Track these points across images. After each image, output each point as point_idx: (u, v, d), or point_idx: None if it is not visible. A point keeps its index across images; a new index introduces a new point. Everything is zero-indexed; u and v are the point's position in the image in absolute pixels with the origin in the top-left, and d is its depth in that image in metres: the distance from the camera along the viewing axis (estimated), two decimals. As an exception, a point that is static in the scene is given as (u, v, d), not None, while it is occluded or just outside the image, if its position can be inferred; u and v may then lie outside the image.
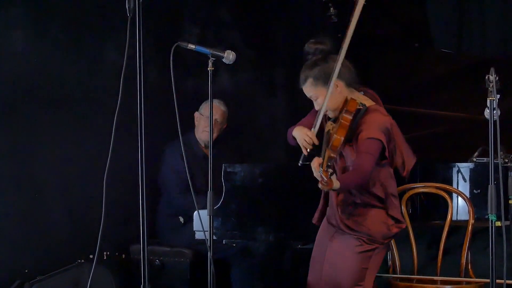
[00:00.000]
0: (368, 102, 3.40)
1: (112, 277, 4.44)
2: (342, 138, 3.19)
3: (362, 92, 3.46)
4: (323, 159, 3.10)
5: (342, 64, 3.32)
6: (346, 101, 3.32)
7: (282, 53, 6.09)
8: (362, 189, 3.35)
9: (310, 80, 3.36)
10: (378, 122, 3.31)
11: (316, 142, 3.31)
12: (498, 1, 5.59)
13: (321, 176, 3.00)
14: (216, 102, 4.68)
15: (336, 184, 3.11)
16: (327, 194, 3.51)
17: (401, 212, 3.63)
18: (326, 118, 3.46)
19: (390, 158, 3.36)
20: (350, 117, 3.25)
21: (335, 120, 3.36)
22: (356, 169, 3.28)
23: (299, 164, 3.42)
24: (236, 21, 5.77)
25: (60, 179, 4.48)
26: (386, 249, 3.53)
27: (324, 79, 3.33)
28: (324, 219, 3.54)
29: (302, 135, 3.39)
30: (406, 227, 4.12)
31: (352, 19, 3.37)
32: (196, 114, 4.81)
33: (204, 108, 4.76)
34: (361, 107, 3.30)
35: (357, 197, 3.37)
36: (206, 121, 4.68)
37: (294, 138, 3.47)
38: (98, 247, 2.60)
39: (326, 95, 3.30)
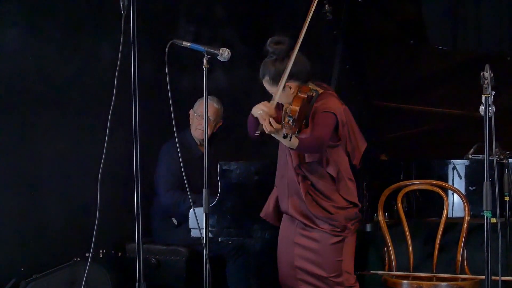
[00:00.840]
0: (322, 90, 3.58)
1: (108, 275, 4.44)
2: (298, 108, 3.32)
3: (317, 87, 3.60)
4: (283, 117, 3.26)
5: (298, 63, 3.44)
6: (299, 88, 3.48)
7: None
8: (318, 166, 3.50)
9: (266, 78, 3.51)
10: (333, 102, 3.52)
11: (273, 113, 3.32)
12: (493, -2, 5.61)
13: (282, 124, 3.18)
14: (209, 100, 4.67)
15: (295, 141, 3.28)
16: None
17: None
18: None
19: (343, 141, 3.52)
20: (304, 95, 3.41)
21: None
22: (313, 135, 3.42)
23: (255, 134, 3.44)
24: (231, 18, 5.76)
25: (56, 177, 4.47)
26: (355, 237, 3.62)
27: (279, 81, 3.43)
28: (284, 217, 3.69)
29: (258, 107, 3.40)
30: (402, 224, 4.14)
31: (307, 19, 3.52)
32: (191, 112, 4.81)
33: (198, 106, 4.76)
34: (314, 93, 3.50)
35: (314, 181, 3.52)
36: (199, 119, 4.69)
37: (255, 119, 3.48)
38: (93, 245, 2.60)
39: (277, 96, 3.41)
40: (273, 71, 3.47)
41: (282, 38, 3.51)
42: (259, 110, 3.35)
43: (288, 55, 3.43)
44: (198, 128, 4.72)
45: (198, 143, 4.78)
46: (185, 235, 4.39)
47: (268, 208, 3.75)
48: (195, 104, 4.79)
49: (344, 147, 3.56)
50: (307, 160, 3.52)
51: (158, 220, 4.71)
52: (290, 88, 3.47)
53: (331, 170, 3.51)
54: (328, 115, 3.45)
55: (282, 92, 3.41)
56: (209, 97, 4.64)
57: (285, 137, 3.21)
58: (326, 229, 3.49)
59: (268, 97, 3.50)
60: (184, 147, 4.65)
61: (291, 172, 3.57)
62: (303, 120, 3.44)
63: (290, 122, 3.18)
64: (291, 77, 3.43)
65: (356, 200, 3.58)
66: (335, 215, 3.49)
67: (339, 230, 3.49)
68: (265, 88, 3.59)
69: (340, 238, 3.51)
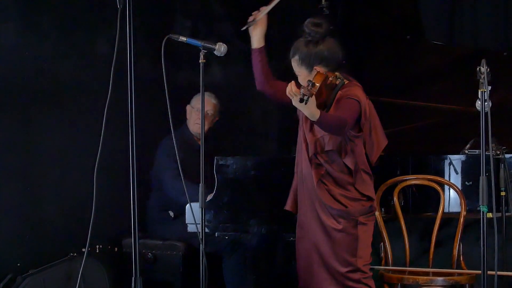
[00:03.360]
0: (348, 81, 3.56)
1: (104, 270, 4.44)
2: (320, 80, 3.32)
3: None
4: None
5: (331, 50, 3.46)
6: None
7: (274, 45, 6.06)
8: (336, 156, 3.46)
9: (296, 58, 3.51)
10: (359, 91, 3.49)
11: (296, 89, 3.28)
12: (489, -7, 5.61)
13: (302, 88, 3.15)
14: (207, 95, 4.67)
15: (316, 112, 3.21)
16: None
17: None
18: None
19: (363, 134, 3.49)
20: (325, 73, 3.39)
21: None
22: (339, 117, 3.38)
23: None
24: (227, 13, 5.75)
25: (52, 173, 4.46)
26: (370, 230, 3.57)
27: (308, 63, 3.46)
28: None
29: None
30: (398, 219, 4.14)
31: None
32: (188, 107, 4.81)
33: (195, 101, 4.76)
34: (338, 80, 3.48)
35: (330, 171, 3.47)
36: (197, 114, 4.70)
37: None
38: (89, 241, 2.60)
39: (301, 77, 3.47)
40: (304, 52, 3.47)
41: (321, 21, 3.49)
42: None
43: (323, 39, 3.44)
44: (197, 122, 4.72)
45: (196, 137, 4.79)
46: (181, 230, 4.40)
47: (289, 199, 3.70)
48: (193, 99, 4.79)
49: (363, 141, 3.53)
50: (326, 148, 3.48)
51: (154, 214, 4.71)
52: (317, 72, 3.45)
53: (348, 161, 3.47)
54: (352, 101, 3.43)
55: (308, 75, 3.44)
56: (206, 92, 4.66)
57: (301, 100, 3.13)
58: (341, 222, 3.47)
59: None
60: (183, 141, 4.65)
61: (305, 160, 3.54)
62: (323, 99, 3.42)
63: (309, 86, 3.16)
64: (321, 61, 3.44)
65: (371, 194, 3.54)
66: (349, 208, 3.45)
67: (351, 224, 3.47)
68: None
69: (353, 232, 3.48)
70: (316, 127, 3.46)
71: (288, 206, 3.70)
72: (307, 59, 3.46)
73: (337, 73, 3.51)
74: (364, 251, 3.51)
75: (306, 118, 3.40)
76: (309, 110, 3.21)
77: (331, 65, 3.48)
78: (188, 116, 4.80)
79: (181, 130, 4.77)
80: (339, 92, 3.49)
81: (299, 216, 3.65)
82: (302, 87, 3.18)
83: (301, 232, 3.62)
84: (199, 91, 3.49)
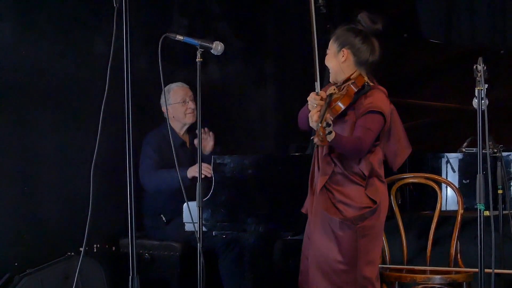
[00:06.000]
0: (373, 84, 3.51)
1: (102, 269, 4.43)
2: (344, 108, 3.31)
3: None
4: (321, 116, 3.11)
5: (362, 42, 3.46)
6: (356, 76, 3.44)
7: (271, 44, 6.07)
8: (349, 164, 3.39)
9: (334, 36, 3.53)
10: (382, 101, 3.42)
11: (316, 118, 3.25)
12: (486, -9, 5.62)
13: (317, 130, 3.06)
14: (179, 84, 4.72)
15: (331, 137, 3.13)
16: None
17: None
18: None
19: (382, 142, 3.43)
20: (355, 89, 3.36)
21: (339, 87, 3.44)
22: (356, 139, 3.31)
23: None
24: (225, 12, 5.75)
25: (50, 172, 4.46)
26: (378, 232, 3.49)
27: (339, 44, 3.48)
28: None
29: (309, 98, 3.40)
30: (396, 217, 4.14)
31: None
32: (164, 108, 4.70)
33: (172, 94, 4.71)
34: (366, 86, 3.42)
35: (341, 172, 3.39)
36: (184, 105, 4.69)
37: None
38: (87, 240, 2.59)
39: (329, 55, 3.49)
40: (343, 34, 3.50)
41: (378, 18, 3.56)
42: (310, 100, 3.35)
43: (362, 34, 3.48)
44: (188, 113, 4.72)
45: (182, 132, 4.78)
46: (177, 231, 4.39)
47: (307, 201, 3.61)
48: (166, 96, 4.69)
49: (382, 147, 3.47)
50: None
51: (149, 217, 4.69)
52: (343, 56, 3.47)
53: (363, 167, 3.39)
54: (376, 117, 3.34)
55: (335, 54, 3.47)
56: (178, 82, 4.69)
57: (317, 136, 3.10)
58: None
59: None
60: (165, 139, 4.62)
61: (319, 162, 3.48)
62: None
63: (327, 133, 3.07)
64: (349, 46, 3.46)
65: (379, 199, 3.42)
66: (346, 216, 3.36)
67: (351, 233, 3.38)
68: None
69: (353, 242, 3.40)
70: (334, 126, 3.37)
71: (304, 210, 3.62)
72: (342, 40, 3.48)
73: (366, 78, 3.46)
74: (367, 265, 3.42)
75: None
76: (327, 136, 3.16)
77: (359, 56, 3.47)
78: (170, 115, 4.74)
79: (162, 130, 4.72)
80: (364, 101, 3.39)
81: (308, 219, 3.57)
82: (318, 131, 3.06)
83: (306, 234, 3.57)
84: (196, 89, 3.48)
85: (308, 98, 3.39)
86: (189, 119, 4.74)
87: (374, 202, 3.40)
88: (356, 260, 3.40)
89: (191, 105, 4.71)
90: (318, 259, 3.45)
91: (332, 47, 3.51)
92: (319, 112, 3.20)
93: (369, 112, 3.34)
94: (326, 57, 3.53)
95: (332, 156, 3.42)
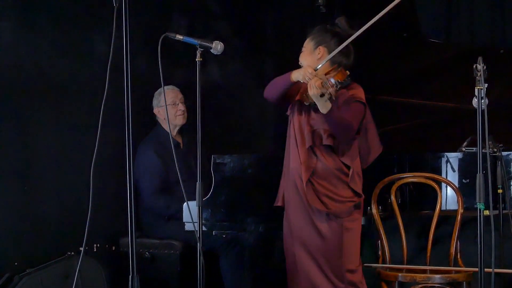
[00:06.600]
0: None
1: (102, 269, 4.43)
2: (339, 81, 3.39)
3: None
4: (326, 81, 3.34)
5: (338, 45, 3.52)
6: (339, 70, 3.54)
7: (271, 43, 6.07)
8: (332, 153, 3.51)
9: (311, 35, 3.62)
10: (363, 93, 3.57)
11: (319, 84, 3.37)
12: (486, -10, 5.61)
13: (330, 85, 3.28)
14: (171, 87, 4.75)
15: (328, 104, 3.33)
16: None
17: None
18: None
19: (360, 139, 3.56)
20: (345, 76, 3.46)
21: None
22: (344, 117, 3.44)
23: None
24: (225, 12, 5.75)
25: (49, 172, 4.45)
26: (359, 224, 3.63)
27: (316, 42, 3.58)
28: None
29: (304, 70, 3.47)
30: (396, 217, 4.14)
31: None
32: (156, 110, 4.78)
33: (161, 97, 4.73)
34: (348, 79, 3.52)
35: (324, 167, 3.49)
36: (174, 107, 4.73)
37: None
38: (86, 239, 2.59)
39: (304, 52, 3.61)
40: (320, 34, 3.60)
41: (355, 24, 3.59)
42: (309, 74, 3.40)
43: (337, 38, 3.55)
44: (178, 114, 4.75)
45: (175, 132, 4.79)
46: (178, 229, 4.39)
47: (279, 195, 3.74)
48: (157, 98, 4.77)
49: (358, 143, 3.60)
50: (324, 142, 3.52)
51: (149, 216, 4.69)
52: (319, 53, 3.56)
53: (347, 160, 3.53)
54: (360, 107, 3.51)
55: (311, 51, 3.56)
56: (169, 86, 4.71)
57: (322, 95, 3.30)
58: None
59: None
60: (160, 142, 4.65)
61: (294, 158, 3.58)
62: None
63: (337, 86, 3.31)
64: (324, 44, 3.54)
65: (360, 191, 3.59)
66: (332, 210, 3.49)
67: (336, 227, 3.49)
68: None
69: (338, 236, 3.51)
70: (314, 120, 3.50)
71: (279, 203, 3.72)
72: (317, 40, 3.57)
73: (348, 72, 3.54)
74: (350, 256, 3.56)
75: (304, 111, 3.44)
76: (325, 104, 3.33)
77: (335, 58, 3.54)
78: (162, 116, 4.76)
79: (155, 132, 4.77)
80: (349, 92, 3.53)
81: (287, 213, 3.67)
82: (324, 84, 3.28)
83: (288, 228, 3.65)
84: (195, 89, 3.48)
85: (304, 70, 3.46)
86: (180, 121, 4.77)
87: (359, 195, 3.55)
88: (341, 252, 3.52)
89: (181, 107, 4.77)
90: (309, 254, 3.55)
91: (308, 45, 3.61)
92: (320, 80, 3.33)
93: (355, 101, 3.51)
94: (301, 54, 3.63)
95: (315, 150, 3.53)
